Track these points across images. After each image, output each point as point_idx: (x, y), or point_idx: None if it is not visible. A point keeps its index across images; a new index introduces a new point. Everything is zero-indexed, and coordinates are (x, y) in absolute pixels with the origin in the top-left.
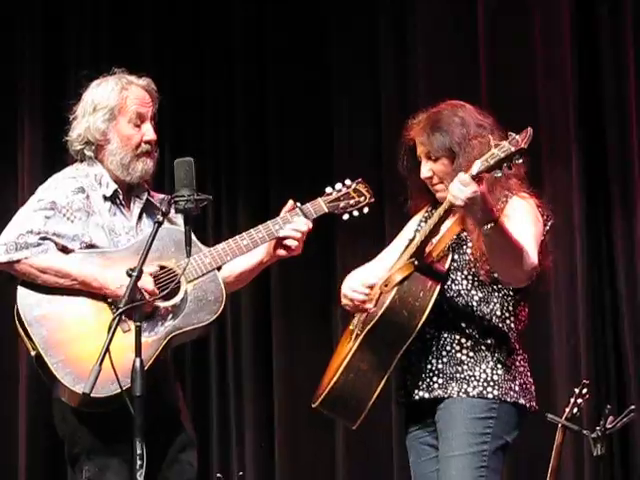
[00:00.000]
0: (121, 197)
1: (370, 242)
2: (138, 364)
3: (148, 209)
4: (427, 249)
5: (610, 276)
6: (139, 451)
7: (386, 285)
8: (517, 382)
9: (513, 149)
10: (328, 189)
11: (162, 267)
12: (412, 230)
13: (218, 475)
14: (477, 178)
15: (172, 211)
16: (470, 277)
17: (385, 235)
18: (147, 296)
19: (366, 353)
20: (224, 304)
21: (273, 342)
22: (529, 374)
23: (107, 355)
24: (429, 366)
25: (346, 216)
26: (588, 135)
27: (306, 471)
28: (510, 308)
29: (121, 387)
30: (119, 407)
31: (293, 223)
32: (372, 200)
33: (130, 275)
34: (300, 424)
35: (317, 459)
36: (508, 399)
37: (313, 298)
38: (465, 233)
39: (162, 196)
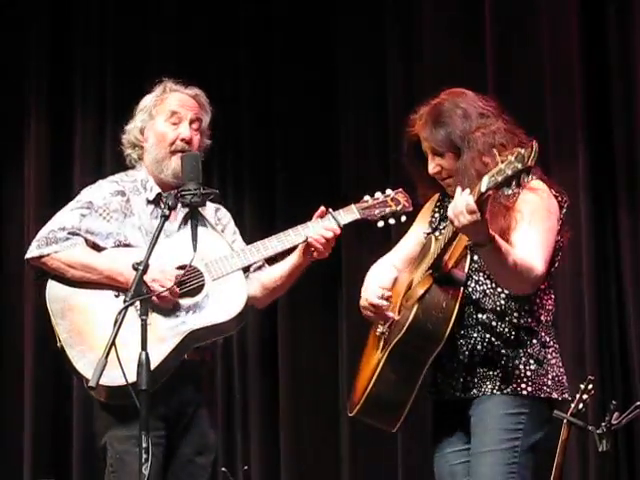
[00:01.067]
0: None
1: (377, 245)
2: (144, 358)
3: (195, 215)
4: (445, 258)
5: (616, 274)
6: (144, 445)
7: (407, 301)
8: (550, 376)
9: (520, 166)
10: (366, 197)
11: (189, 266)
12: (425, 222)
13: (223, 469)
14: (485, 195)
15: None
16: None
17: (390, 228)
18: (161, 290)
19: (395, 365)
20: (244, 304)
21: (279, 338)
22: (561, 364)
23: (114, 347)
24: (461, 366)
25: (381, 223)
26: (595, 135)
27: (311, 465)
28: (537, 300)
29: (126, 380)
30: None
31: (321, 228)
32: (410, 209)
33: (136, 269)
34: (304, 419)
35: (322, 453)
36: (542, 395)
37: (320, 299)
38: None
39: (212, 205)
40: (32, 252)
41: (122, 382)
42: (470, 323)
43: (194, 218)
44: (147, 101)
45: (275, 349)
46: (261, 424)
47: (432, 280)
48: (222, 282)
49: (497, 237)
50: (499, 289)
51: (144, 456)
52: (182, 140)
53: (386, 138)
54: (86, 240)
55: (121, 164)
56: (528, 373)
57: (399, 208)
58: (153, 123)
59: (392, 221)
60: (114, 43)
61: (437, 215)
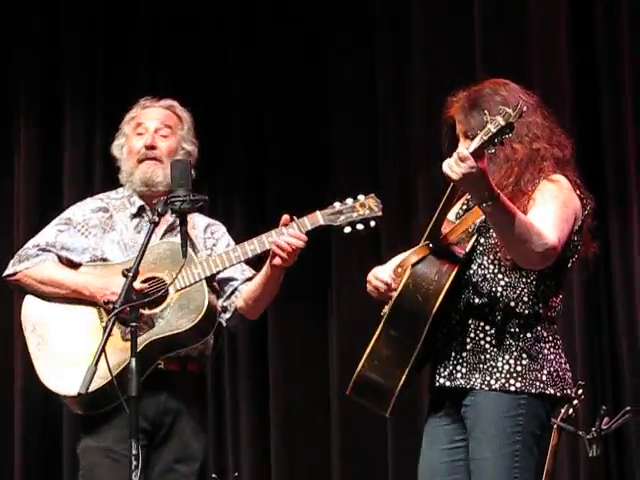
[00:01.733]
0: (149, 214)
1: (365, 248)
2: (134, 364)
3: (177, 227)
4: (445, 231)
5: (606, 276)
6: (134, 451)
7: (400, 267)
8: (545, 371)
9: (503, 123)
10: (335, 203)
11: (154, 278)
12: (452, 214)
13: (213, 476)
14: (475, 154)
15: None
16: (497, 261)
17: (380, 241)
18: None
19: (387, 339)
20: (204, 312)
21: (269, 341)
22: (563, 361)
23: (95, 364)
24: (453, 353)
25: (348, 229)
26: (584, 135)
27: (302, 471)
28: (539, 295)
29: (111, 373)
30: (110, 408)
31: (285, 235)
32: (379, 214)
33: (126, 276)
34: (296, 423)
35: (313, 459)
36: (533, 390)
37: (310, 296)
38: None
39: (197, 215)
40: (7, 270)
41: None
42: (467, 308)
43: (182, 224)
44: (123, 122)
45: (265, 350)
46: (252, 429)
47: (428, 251)
48: (184, 293)
49: (502, 195)
50: (500, 275)
51: (134, 463)
52: (146, 148)
53: (376, 141)
54: (60, 256)
55: (111, 174)
56: (519, 368)
57: (367, 213)
58: (126, 140)
59: (360, 227)
60: (106, 51)
61: (465, 207)
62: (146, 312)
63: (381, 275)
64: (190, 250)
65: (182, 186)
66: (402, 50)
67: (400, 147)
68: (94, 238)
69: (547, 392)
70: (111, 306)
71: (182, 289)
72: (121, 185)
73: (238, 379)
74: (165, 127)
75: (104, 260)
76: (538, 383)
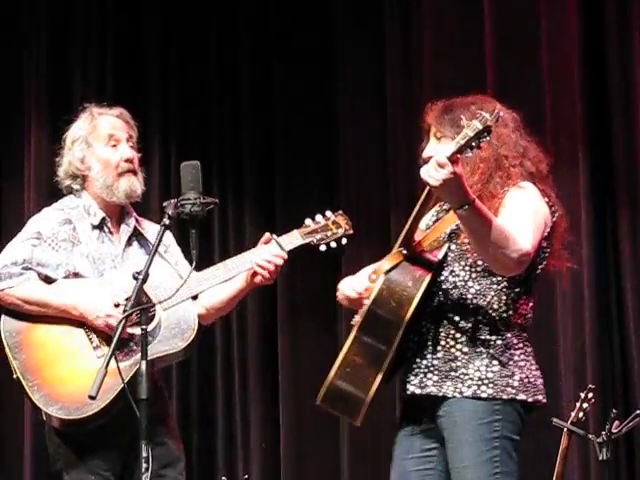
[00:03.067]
0: (109, 225)
1: (375, 247)
2: (144, 367)
3: (136, 236)
4: (418, 238)
5: (616, 278)
6: (144, 454)
7: (374, 274)
8: (516, 377)
9: (480, 127)
10: (307, 221)
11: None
12: (424, 224)
13: (223, 478)
14: (452, 159)
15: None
16: (468, 268)
17: (390, 239)
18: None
19: (360, 347)
20: (195, 332)
21: (279, 344)
22: (534, 368)
23: (105, 367)
24: (424, 361)
25: (323, 247)
26: (595, 138)
27: (311, 474)
28: (509, 302)
29: (124, 381)
30: (96, 426)
31: (267, 254)
32: (350, 232)
33: (136, 278)
34: (305, 426)
35: (322, 461)
36: (505, 396)
37: (319, 302)
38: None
39: (149, 222)
40: None
41: (77, 416)
42: (437, 316)
43: (193, 228)
44: (78, 131)
45: (275, 353)
46: (262, 432)
47: (401, 258)
48: (172, 311)
49: (478, 201)
50: (470, 283)
51: (144, 465)
52: (126, 161)
53: (385, 143)
54: (38, 273)
55: None
56: (490, 375)
57: (339, 232)
58: (92, 151)
59: (334, 244)
60: (114, 58)
61: (434, 218)
62: (137, 331)
63: (352, 283)
64: (166, 260)
65: (193, 189)
66: (412, 45)
67: (410, 152)
68: (65, 252)
69: (518, 398)
70: (109, 331)
71: (169, 308)
72: (67, 193)
73: (248, 383)
74: (130, 138)
75: (76, 275)
76: (509, 389)
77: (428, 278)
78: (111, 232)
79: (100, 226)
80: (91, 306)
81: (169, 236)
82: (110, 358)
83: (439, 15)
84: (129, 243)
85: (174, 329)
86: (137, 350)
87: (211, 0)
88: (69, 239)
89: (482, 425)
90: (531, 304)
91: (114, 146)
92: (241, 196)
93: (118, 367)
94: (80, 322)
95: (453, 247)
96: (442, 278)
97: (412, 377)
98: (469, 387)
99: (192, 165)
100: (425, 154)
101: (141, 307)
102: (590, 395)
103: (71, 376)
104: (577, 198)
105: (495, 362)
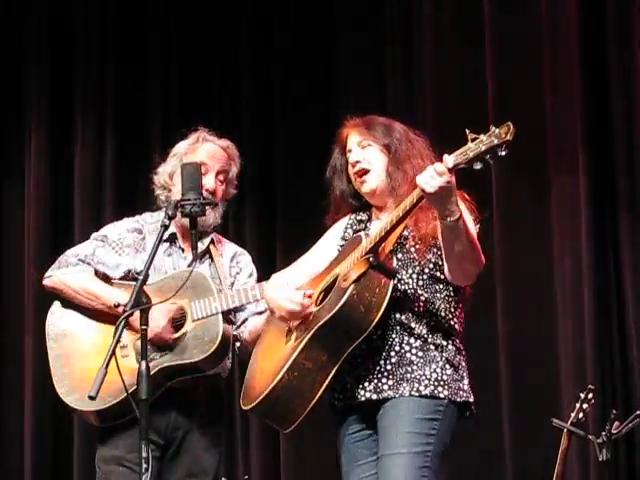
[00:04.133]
0: (180, 240)
1: None
2: (144, 368)
3: (210, 256)
4: (382, 245)
5: (616, 280)
6: (144, 454)
7: (344, 280)
8: (465, 381)
9: (496, 141)
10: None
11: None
12: (337, 238)
13: (223, 479)
14: (452, 170)
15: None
16: (415, 276)
17: None
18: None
19: (313, 351)
20: (217, 345)
21: None
22: (468, 373)
23: (105, 367)
24: (377, 367)
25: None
26: (595, 140)
27: (311, 474)
28: (452, 309)
29: (127, 390)
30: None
31: None
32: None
33: (136, 279)
34: (305, 426)
35: (322, 462)
36: (458, 399)
37: None
38: (407, 232)
39: (230, 245)
40: (47, 273)
41: (87, 408)
42: (389, 323)
43: (192, 228)
44: (180, 148)
45: None
46: (262, 432)
47: (368, 264)
48: (200, 324)
49: (463, 214)
50: (419, 291)
51: (144, 465)
52: (206, 190)
53: None
54: (97, 271)
55: (121, 181)
56: (445, 377)
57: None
58: None
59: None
60: (114, 59)
61: (350, 231)
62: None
63: (296, 299)
64: (210, 281)
65: (193, 189)
66: (412, 57)
67: None
68: (127, 257)
69: (470, 400)
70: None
71: (199, 319)
72: (157, 208)
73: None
74: (224, 172)
75: (136, 278)
76: (462, 392)
77: (391, 285)
78: (182, 249)
79: (170, 240)
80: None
81: (245, 260)
82: (110, 358)
83: (439, 15)
84: (199, 261)
85: (197, 340)
86: (160, 355)
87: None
88: (134, 245)
89: (422, 420)
90: (463, 312)
91: (202, 174)
92: (242, 196)
93: (118, 367)
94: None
95: (400, 256)
96: None
97: (365, 383)
98: (426, 387)
99: (192, 166)
100: (352, 159)
101: (139, 307)
102: (590, 396)
103: (94, 370)
104: (577, 200)
105: (448, 366)
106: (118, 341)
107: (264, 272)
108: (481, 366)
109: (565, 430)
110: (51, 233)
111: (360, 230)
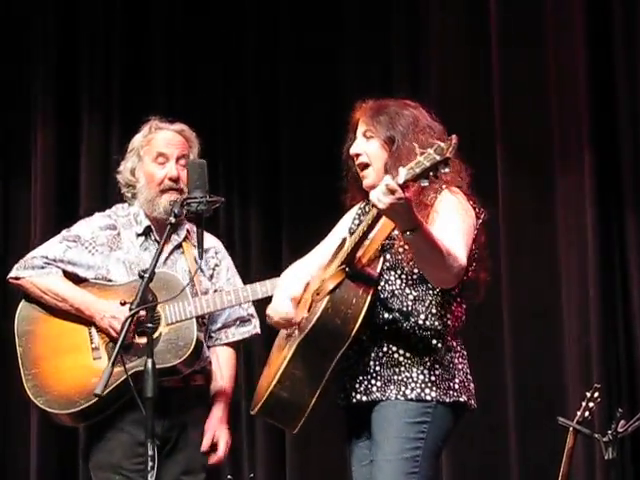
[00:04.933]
0: (155, 233)
1: None
2: (150, 366)
3: (183, 246)
4: (358, 254)
5: (622, 278)
6: (150, 452)
7: (318, 294)
8: (457, 380)
9: (438, 158)
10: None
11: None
12: (346, 226)
13: (229, 477)
14: (403, 186)
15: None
16: (404, 276)
17: None
18: (113, 333)
19: (300, 361)
20: (191, 351)
21: None
22: (469, 372)
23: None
24: (367, 369)
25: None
26: (601, 139)
27: (316, 472)
28: (446, 306)
29: (126, 371)
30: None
31: None
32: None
33: (142, 277)
34: (311, 424)
35: (327, 460)
36: (447, 399)
37: None
38: (396, 232)
39: (206, 235)
40: (11, 273)
41: (59, 411)
42: (377, 324)
43: (199, 226)
44: (136, 142)
45: None
46: (267, 431)
47: (344, 275)
48: (174, 328)
49: (425, 225)
50: (407, 290)
51: (150, 464)
52: (170, 179)
53: None
54: (65, 271)
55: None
56: (433, 378)
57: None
58: (142, 164)
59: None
60: (120, 58)
61: (357, 221)
62: (138, 340)
63: (281, 310)
64: (184, 284)
65: (199, 188)
66: (419, 56)
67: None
68: (100, 256)
69: (460, 400)
70: (112, 332)
71: (172, 324)
72: (123, 201)
73: (253, 380)
74: (183, 156)
75: (108, 280)
76: (451, 392)
77: (371, 294)
78: (157, 241)
79: (145, 234)
80: (100, 307)
81: (222, 253)
82: (117, 355)
83: (445, 15)
84: (177, 251)
85: (171, 344)
86: (134, 359)
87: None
88: (107, 244)
89: (410, 424)
90: (464, 306)
91: (162, 163)
92: (247, 195)
93: (124, 366)
94: (88, 322)
95: (388, 257)
96: (379, 288)
97: (357, 385)
98: (413, 390)
99: (198, 164)
100: (352, 151)
101: (146, 305)
102: (596, 394)
103: (64, 372)
104: (582, 197)
105: (437, 366)
106: (124, 339)
107: (269, 272)
108: (487, 365)
109: (571, 429)
110: (58, 232)
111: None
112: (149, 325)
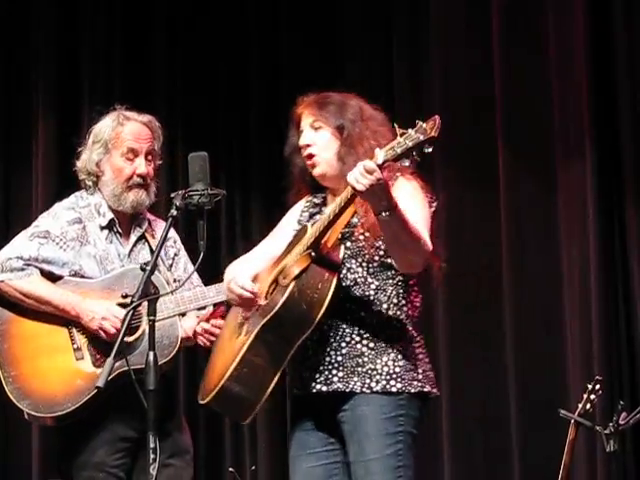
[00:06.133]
0: (118, 226)
1: None
2: (152, 358)
3: (146, 237)
4: (323, 239)
5: (623, 272)
6: (152, 445)
7: (284, 278)
8: (420, 370)
9: (422, 137)
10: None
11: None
12: (294, 221)
13: (230, 469)
14: (382, 167)
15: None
16: (365, 264)
17: None
18: (112, 330)
19: (261, 347)
20: (177, 349)
21: None
22: (427, 360)
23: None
24: (327, 358)
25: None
26: (602, 132)
27: None
28: (405, 295)
29: (129, 367)
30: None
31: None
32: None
33: (144, 269)
34: None
35: None
36: (412, 390)
37: None
38: (356, 219)
39: (160, 222)
40: None
41: (44, 414)
42: (339, 313)
43: (201, 219)
44: (103, 133)
45: None
46: (269, 423)
47: (310, 260)
48: (158, 325)
49: (399, 206)
50: (370, 279)
51: (152, 456)
52: (139, 176)
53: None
54: (42, 270)
55: None
56: (397, 369)
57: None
58: (109, 157)
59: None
60: (121, 46)
61: (307, 214)
62: (129, 339)
63: (245, 283)
64: (164, 280)
65: (200, 180)
66: (419, 47)
67: None
68: (72, 252)
69: (425, 390)
70: (102, 334)
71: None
72: (78, 188)
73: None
74: (151, 151)
75: (82, 276)
76: (416, 382)
77: (335, 279)
78: (120, 233)
79: (109, 226)
80: (89, 307)
81: (179, 241)
82: (118, 348)
83: (447, 11)
84: (137, 244)
85: (156, 343)
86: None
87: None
88: (77, 238)
89: (388, 419)
90: (421, 296)
91: (131, 159)
92: (248, 188)
93: (127, 360)
94: (66, 322)
95: (349, 244)
96: (341, 276)
97: (316, 375)
98: (378, 382)
99: (200, 156)
100: (302, 142)
101: (148, 297)
102: (597, 387)
103: (46, 373)
104: (584, 192)
105: (400, 356)
106: (125, 332)
107: None
108: (488, 362)
109: (572, 421)
110: None
111: (315, 214)
112: (151, 318)
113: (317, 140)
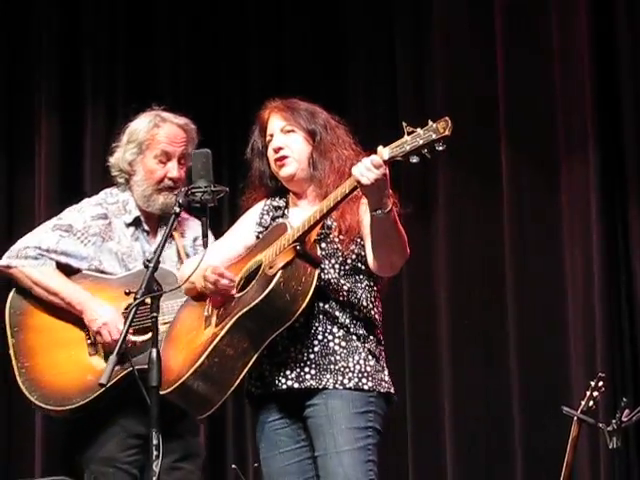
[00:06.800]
0: (145, 223)
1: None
2: (155, 355)
3: (174, 236)
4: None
5: (626, 272)
6: (155, 442)
7: (270, 267)
8: (386, 372)
9: (434, 136)
10: None
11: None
12: (252, 223)
13: (233, 466)
14: (388, 163)
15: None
16: (338, 266)
17: None
18: (108, 337)
19: (235, 337)
20: None
21: None
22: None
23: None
24: (299, 356)
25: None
26: (605, 132)
27: None
28: (372, 299)
29: (132, 365)
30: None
31: None
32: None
33: (147, 266)
34: None
35: None
36: (381, 389)
37: None
38: (330, 221)
39: (191, 221)
40: (2, 261)
41: (54, 407)
42: (312, 312)
43: (204, 216)
44: (138, 134)
45: None
46: None
47: (295, 253)
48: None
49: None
50: (342, 281)
51: (154, 453)
52: (170, 179)
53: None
54: (59, 262)
55: None
56: (368, 368)
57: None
58: (142, 158)
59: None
60: (125, 43)
61: (267, 217)
62: (134, 339)
63: (224, 271)
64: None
65: (203, 177)
66: (423, 48)
67: None
68: (92, 247)
69: (391, 391)
70: (100, 338)
71: (166, 323)
72: (112, 184)
73: None
74: (184, 155)
75: (101, 272)
76: (384, 383)
77: (316, 273)
78: (147, 231)
79: (135, 224)
80: (94, 308)
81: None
82: (122, 344)
83: (450, 12)
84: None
85: None
86: (129, 357)
87: None
88: (100, 234)
89: (359, 414)
90: (381, 304)
91: (163, 162)
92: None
93: (130, 359)
94: (79, 318)
95: (324, 245)
96: None
97: (287, 371)
98: (350, 380)
99: (203, 153)
100: (274, 145)
101: (151, 294)
102: (600, 384)
103: (60, 367)
104: (587, 192)
105: (371, 357)
106: (128, 329)
107: None
108: (492, 361)
109: (575, 418)
110: None
111: (277, 217)
112: (154, 314)
113: (289, 143)
